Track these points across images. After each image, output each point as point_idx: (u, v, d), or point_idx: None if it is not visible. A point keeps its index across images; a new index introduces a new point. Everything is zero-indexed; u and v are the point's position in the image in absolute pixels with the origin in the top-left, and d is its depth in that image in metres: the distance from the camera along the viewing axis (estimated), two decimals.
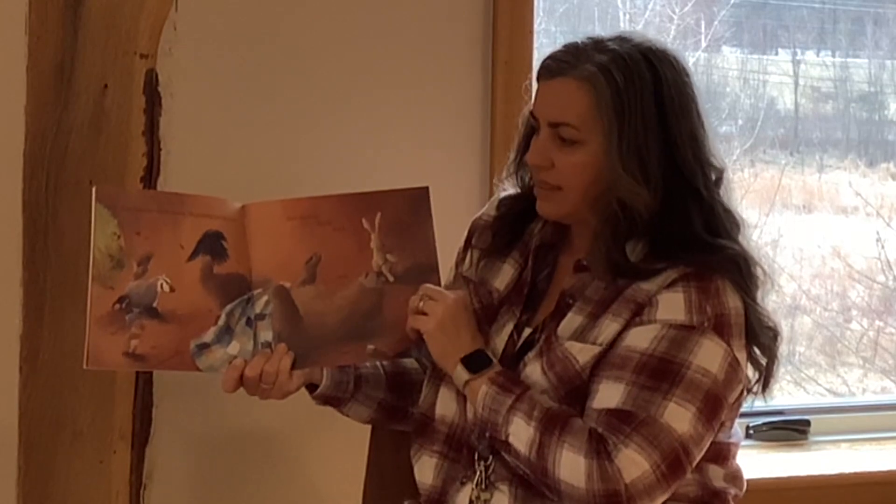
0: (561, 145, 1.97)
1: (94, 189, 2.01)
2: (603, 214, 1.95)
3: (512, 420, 1.92)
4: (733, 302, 1.94)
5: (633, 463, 1.85)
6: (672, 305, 1.92)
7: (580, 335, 1.96)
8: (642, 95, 1.94)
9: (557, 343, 1.97)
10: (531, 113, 2.03)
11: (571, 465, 1.87)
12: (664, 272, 1.94)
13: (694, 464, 1.91)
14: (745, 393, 2.00)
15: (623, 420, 1.87)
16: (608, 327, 1.95)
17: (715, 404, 1.91)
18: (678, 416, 1.87)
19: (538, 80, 2.02)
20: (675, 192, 1.95)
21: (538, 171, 2.00)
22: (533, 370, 1.98)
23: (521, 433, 1.91)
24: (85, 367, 1.97)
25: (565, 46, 2.01)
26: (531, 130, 2.05)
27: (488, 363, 1.98)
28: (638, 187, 1.93)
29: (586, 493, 1.86)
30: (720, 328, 1.92)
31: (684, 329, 1.91)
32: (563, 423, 1.89)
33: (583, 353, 1.95)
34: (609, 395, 1.90)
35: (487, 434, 1.97)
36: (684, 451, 1.88)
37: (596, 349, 1.94)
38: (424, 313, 2.00)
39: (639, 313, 1.93)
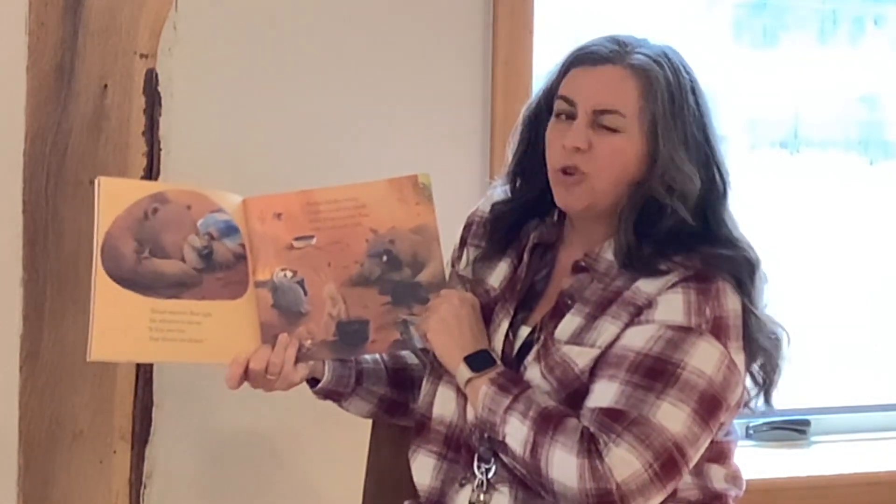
0: (598, 131, 1.96)
1: (97, 180, 2.02)
2: (632, 202, 1.96)
3: (508, 420, 1.92)
4: (732, 304, 1.94)
5: (624, 462, 1.85)
6: (671, 306, 1.92)
7: (578, 337, 1.96)
8: (686, 92, 1.96)
9: (555, 347, 1.97)
10: (563, 97, 2.00)
11: (563, 465, 1.87)
12: (666, 275, 1.94)
13: (691, 464, 1.91)
14: (744, 394, 2.00)
15: (615, 419, 1.87)
16: (606, 330, 1.95)
17: (712, 405, 1.90)
18: (672, 416, 1.87)
19: (573, 66, 2.00)
20: (708, 189, 1.97)
21: (572, 155, 1.97)
22: (533, 374, 1.98)
23: (516, 433, 1.91)
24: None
25: (605, 38, 2.01)
26: (535, 127, 2.05)
27: (491, 363, 1.98)
28: (693, 173, 1.94)
29: (579, 493, 1.86)
30: (717, 330, 1.91)
31: (681, 330, 1.90)
32: (557, 423, 1.89)
33: (581, 357, 1.95)
34: (603, 393, 1.90)
35: (486, 435, 1.97)
36: (679, 451, 1.87)
37: (594, 352, 1.94)
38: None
39: (638, 315, 1.93)
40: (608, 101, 1.96)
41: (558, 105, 2.01)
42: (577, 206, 2.00)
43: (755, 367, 2.00)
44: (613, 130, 1.96)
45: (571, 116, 1.98)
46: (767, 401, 2.03)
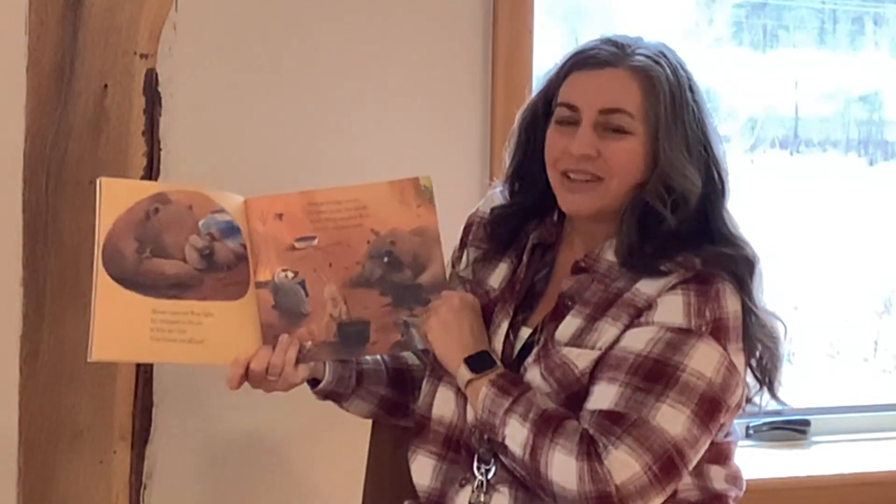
0: (604, 135, 1.96)
1: (98, 181, 2.02)
2: (634, 203, 1.95)
3: (508, 422, 1.92)
4: (732, 305, 1.94)
5: (624, 464, 1.85)
6: (671, 308, 1.91)
7: (578, 338, 1.96)
8: (685, 91, 1.96)
9: (555, 349, 1.96)
10: (564, 103, 1.99)
11: (563, 467, 1.87)
12: (666, 276, 1.94)
13: (690, 466, 1.91)
14: (744, 395, 1.99)
15: (615, 421, 1.87)
16: (607, 332, 1.94)
17: (711, 407, 1.90)
18: (671, 419, 1.87)
19: (573, 70, 1.99)
20: (707, 188, 1.97)
21: (578, 161, 1.96)
22: (533, 376, 1.97)
23: (516, 435, 1.91)
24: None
25: (602, 40, 2.01)
26: (532, 131, 2.04)
27: (491, 364, 1.98)
28: (694, 175, 1.94)
29: (578, 495, 1.86)
30: (717, 332, 1.91)
31: (681, 332, 1.90)
32: (557, 425, 1.89)
33: (581, 359, 1.94)
34: (602, 396, 1.90)
35: (486, 436, 1.97)
36: (678, 454, 1.87)
37: (594, 354, 1.94)
38: None
39: (637, 317, 1.93)
40: (615, 102, 1.95)
41: (559, 112, 2.00)
42: (587, 210, 1.99)
43: (755, 363, 1.99)
44: (621, 132, 1.95)
45: (574, 122, 1.98)
46: (773, 395, 2.02)
